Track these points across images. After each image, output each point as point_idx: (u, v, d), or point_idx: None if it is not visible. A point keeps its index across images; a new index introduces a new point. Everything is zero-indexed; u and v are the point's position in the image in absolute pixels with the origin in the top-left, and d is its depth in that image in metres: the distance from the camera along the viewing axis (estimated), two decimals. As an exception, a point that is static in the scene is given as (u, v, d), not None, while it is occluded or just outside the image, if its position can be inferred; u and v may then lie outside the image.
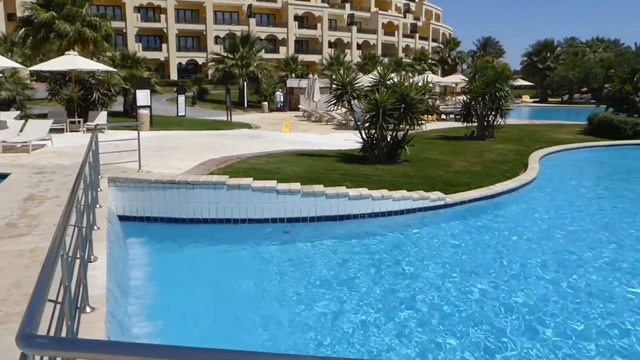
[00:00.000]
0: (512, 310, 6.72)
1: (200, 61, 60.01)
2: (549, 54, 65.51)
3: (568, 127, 28.16)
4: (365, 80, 15.50)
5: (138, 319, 5.99)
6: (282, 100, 40.99)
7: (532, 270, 8.20)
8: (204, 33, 60.69)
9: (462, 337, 5.99)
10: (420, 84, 14.96)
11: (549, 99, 65.80)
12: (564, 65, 62.85)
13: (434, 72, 62.18)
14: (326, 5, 69.30)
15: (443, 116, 33.76)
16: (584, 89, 65.76)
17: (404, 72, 37.70)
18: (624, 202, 13.69)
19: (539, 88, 67.53)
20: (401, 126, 14.91)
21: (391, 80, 14.96)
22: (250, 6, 63.36)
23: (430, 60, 69.05)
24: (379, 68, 16.44)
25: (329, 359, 4.16)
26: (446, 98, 49.92)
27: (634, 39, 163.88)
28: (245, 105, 40.89)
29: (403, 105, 13.94)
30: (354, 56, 67.68)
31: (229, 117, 30.17)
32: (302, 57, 61.75)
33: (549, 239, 9.98)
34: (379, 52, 71.06)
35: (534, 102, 63.09)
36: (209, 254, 9.30)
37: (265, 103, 40.20)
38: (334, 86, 15.31)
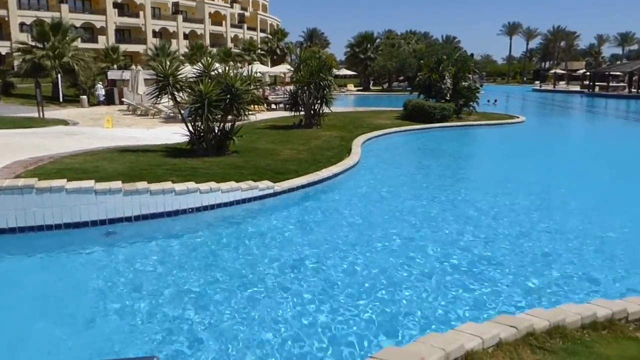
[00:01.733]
0: (336, 286, 7.06)
1: (3, 51, 53.40)
2: (369, 45, 70.04)
3: (387, 113, 30.40)
4: (188, 70, 15.07)
5: None
6: (103, 93, 38.24)
7: (361, 247, 8.72)
8: (6, 19, 54.07)
9: (279, 323, 6.14)
10: (245, 75, 14.95)
11: (372, 88, 70.46)
12: (382, 55, 67.71)
13: (263, 63, 62.89)
14: (148, -8, 66.06)
15: (273, 106, 34.31)
16: (401, 78, 71.64)
17: (231, 63, 37.52)
18: (435, 178, 15.33)
19: (362, 77, 72.00)
20: (229, 117, 14.82)
21: (216, 71, 14.73)
22: (61, -9, 57.87)
23: (259, 51, 69.73)
24: (204, 59, 16.09)
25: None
26: (276, 88, 50.75)
27: (441, 32, 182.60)
28: (61, 100, 37.35)
29: (229, 96, 13.83)
30: (181, 46, 65.55)
31: (41, 113, 27.30)
32: (124, 47, 58.15)
33: (373, 217, 10.69)
34: (207, 42, 69.73)
35: (357, 90, 67.07)
36: (18, 266, 8.31)
37: (85, 97, 37.10)
38: (154, 78, 14.58)
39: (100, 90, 38.26)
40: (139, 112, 30.41)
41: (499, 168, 17.39)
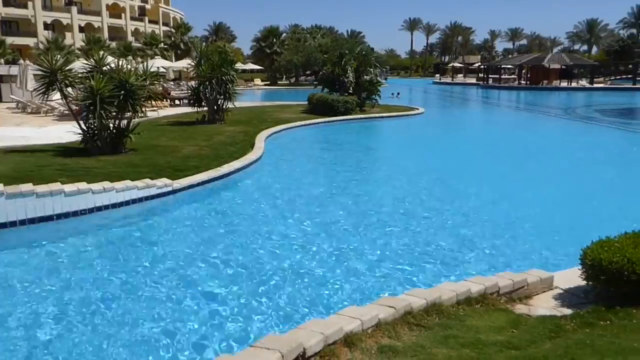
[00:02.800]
0: (238, 279, 7.08)
1: None
2: (275, 40, 70.04)
3: (293, 107, 30.61)
4: (78, 65, 14.35)
5: None
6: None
7: (260, 241, 8.77)
8: None
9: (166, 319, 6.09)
10: (141, 70, 14.49)
11: (279, 82, 70.51)
12: (288, 50, 67.91)
13: (166, 57, 60.94)
14: (37, -19, 61.71)
15: (177, 102, 33.45)
16: (308, 72, 72.21)
17: (130, 57, 36.08)
18: (335, 167, 15.82)
19: (269, 72, 71.84)
20: (127, 114, 14.31)
21: (108, 66, 14.14)
22: None
23: (162, 45, 67.52)
24: (100, 53, 15.40)
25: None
26: (181, 83, 49.45)
27: (346, 26, 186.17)
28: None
29: (122, 92, 13.33)
30: (76, 40, 62.09)
31: None
32: (11, 40, 54.12)
33: (275, 209, 10.79)
34: (106, 35, 66.45)
35: (265, 85, 66.88)
36: None
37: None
38: (41, 73, 13.75)
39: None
40: (29, 110, 28.48)
41: (392, 158, 18.21)
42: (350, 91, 29.28)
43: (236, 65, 71.65)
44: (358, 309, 4.68)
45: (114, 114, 13.67)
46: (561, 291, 6.27)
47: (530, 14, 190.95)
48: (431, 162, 17.06)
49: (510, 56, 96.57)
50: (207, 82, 21.53)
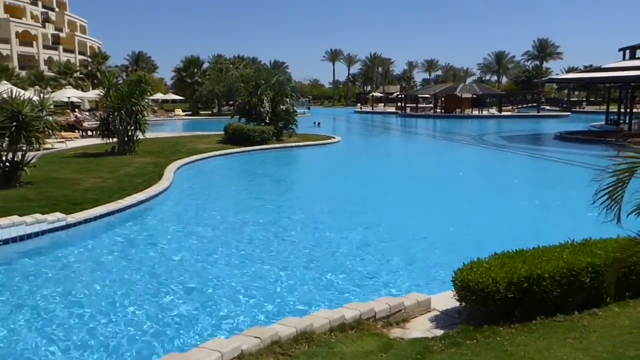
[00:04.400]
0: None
1: None
2: (196, 70, 69.41)
3: (210, 137, 30.30)
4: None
5: None
6: None
7: (147, 278, 8.50)
8: None
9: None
10: (37, 100, 13.91)
11: (201, 112, 69.75)
12: (210, 80, 67.51)
13: (82, 87, 58.92)
14: (-63, 7, 58.30)
15: (91, 132, 32.27)
16: (230, 102, 71.90)
17: (37, 87, 34.60)
18: (244, 195, 15.96)
19: (190, 102, 71.02)
20: (26, 147, 13.64)
21: (1, 96, 13.48)
22: None
23: (77, 74, 65.25)
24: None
25: None
26: (97, 114, 47.83)
27: (269, 57, 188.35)
28: None
29: (15, 124, 12.71)
30: (-18, 68, 58.69)
31: None
32: None
33: (174, 243, 10.53)
34: (15, 64, 63.41)
35: (186, 115, 65.90)
36: None
37: None
38: None
39: None
40: None
41: (299, 186, 18.64)
42: (267, 121, 29.44)
43: (156, 95, 70.13)
44: (221, 340, 4.64)
45: (6, 146, 12.96)
46: (438, 313, 6.51)
47: (443, 46, 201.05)
48: (336, 189, 17.45)
49: (427, 86, 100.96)
50: (116, 113, 20.96)
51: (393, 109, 79.08)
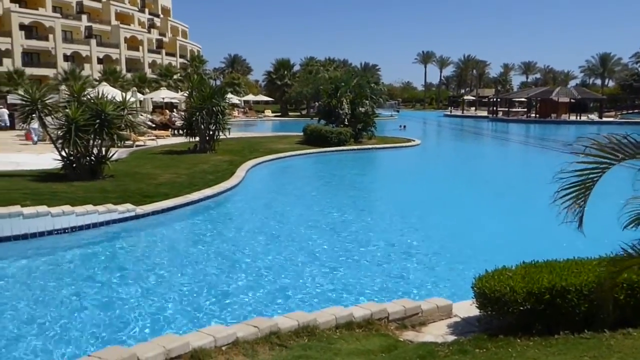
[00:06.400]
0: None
1: None
2: (286, 72, 71.30)
3: (291, 138, 31.06)
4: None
5: None
6: (6, 118, 36.80)
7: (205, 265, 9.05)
8: None
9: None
10: (120, 100, 15.10)
11: (290, 113, 71.52)
12: (299, 82, 69.07)
13: (180, 88, 62.47)
14: (59, 15, 64.04)
15: (180, 131, 34.17)
16: (318, 103, 73.05)
17: (134, 89, 37.17)
18: (307, 196, 16.15)
19: (280, 103, 73.04)
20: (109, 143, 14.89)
21: (87, 96, 14.78)
22: (-41, 11, 55.39)
23: (177, 76, 69.23)
24: (74, 84, 16.10)
25: None
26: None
27: (360, 59, 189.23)
28: (-47, 125, 35.60)
29: (98, 121, 13.89)
30: (94, 71, 64.01)
31: None
32: (32, 70, 56.08)
33: (225, 244, 10.93)
34: (123, 67, 68.49)
35: (275, 116, 67.85)
36: None
37: (-20, 122, 35.62)
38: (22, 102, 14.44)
39: (4, 116, 36.83)
40: (36, 138, 29.45)
41: (365, 187, 18.58)
42: (346, 123, 29.70)
43: (247, 96, 72.39)
44: (218, 327, 4.92)
45: (90, 142, 14.19)
46: (458, 319, 6.40)
47: (543, 47, 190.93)
48: (406, 193, 17.24)
49: (523, 89, 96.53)
50: (198, 113, 22.15)
51: (485, 113, 76.52)
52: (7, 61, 56.48)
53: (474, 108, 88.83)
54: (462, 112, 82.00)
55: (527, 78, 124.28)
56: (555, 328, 5.69)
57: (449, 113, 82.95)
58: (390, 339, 5.63)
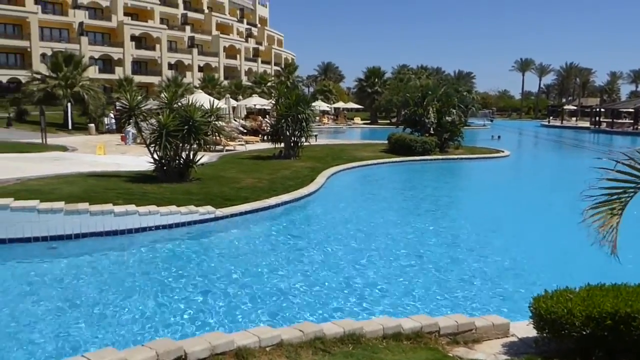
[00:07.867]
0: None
1: (24, 80, 55.91)
2: (377, 80, 71.39)
3: (374, 146, 31.12)
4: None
5: None
6: (114, 122, 39.97)
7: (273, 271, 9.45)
8: (29, 50, 56.86)
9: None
10: (207, 107, 15.98)
11: (379, 121, 71.44)
12: (389, 89, 68.85)
13: (273, 95, 64.57)
14: (165, 27, 68.64)
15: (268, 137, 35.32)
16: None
17: (227, 96, 38.87)
18: (385, 207, 16.00)
19: (370, 111, 73.17)
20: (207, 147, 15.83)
21: (179, 104, 15.79)
22: (81, 24, 60.67)
23: (271, 84, 71.59)
24: (164, 93, 17.20)
25: None
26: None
27: (454, 67, 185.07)
28: (70, 128, 39.10)
29: (186, 127, 14.80)
30: (195, 78, 67.74)
31: (44, 139, 28.80)
32: (140, 78, 60.45)
33: (295, 252, 11.15)
34: (221, 74, 71.93)
35: (364, 123, 68.09)
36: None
37: (92, 125, 38.87)
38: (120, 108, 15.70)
39: (111, 120, 40.03)
40: (138, 141, 31.69)
41: (441, 199, 18.17)
42: (432, 132, 29.30)
43: (338, 104, 72.90)
44: (264, 328, 5.15)
45: (179, 146, 15.14)
46: (515, 339, 6.22)
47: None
48: (486, 208, 16.71)
49: (632, 99, 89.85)
50: (284, 120, 22.85)
51: (587, 124, 72.08)
52: (119, 69, 61.31)
53: (575, 118, 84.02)
54: (562, 122, 77.78)
55: (637, 87, 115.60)
56: (618, 356, 5.39)
57: (546, 123, 79.03)
58: (438, 353, 5.59)
